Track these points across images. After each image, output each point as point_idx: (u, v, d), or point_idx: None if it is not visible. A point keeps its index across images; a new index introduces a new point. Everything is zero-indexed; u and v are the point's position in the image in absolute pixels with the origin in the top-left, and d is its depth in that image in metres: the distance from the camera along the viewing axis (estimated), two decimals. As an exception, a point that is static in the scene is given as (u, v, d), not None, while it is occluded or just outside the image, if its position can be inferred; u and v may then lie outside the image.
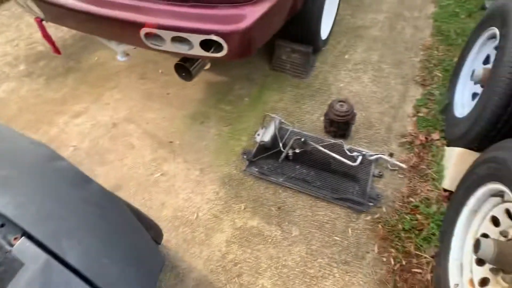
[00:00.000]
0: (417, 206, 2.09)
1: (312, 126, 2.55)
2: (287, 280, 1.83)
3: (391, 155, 2.25)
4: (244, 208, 2.11)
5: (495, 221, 1.62)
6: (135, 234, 1.12)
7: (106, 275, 0.86)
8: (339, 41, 3.24)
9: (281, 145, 2.32)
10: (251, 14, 1.93)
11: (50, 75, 3.02)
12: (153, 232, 1.55)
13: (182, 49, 2.06)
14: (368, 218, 2.07)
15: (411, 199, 2.13)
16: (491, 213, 1.65)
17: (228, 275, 1.84)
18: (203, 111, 2.68)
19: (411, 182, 2.22)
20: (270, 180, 2.22)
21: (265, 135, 2.31)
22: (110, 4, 2.05)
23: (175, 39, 2.00)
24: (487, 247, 1.45)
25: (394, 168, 2.28)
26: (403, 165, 2.25)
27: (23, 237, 0.85)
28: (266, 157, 2.31)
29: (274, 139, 2.35)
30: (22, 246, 0.84)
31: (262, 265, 1.89)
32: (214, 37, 1.89)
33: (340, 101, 2.30)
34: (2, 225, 0.86)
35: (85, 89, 2.86)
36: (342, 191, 2.14)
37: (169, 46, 2.04)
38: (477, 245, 1.49)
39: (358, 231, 2.02)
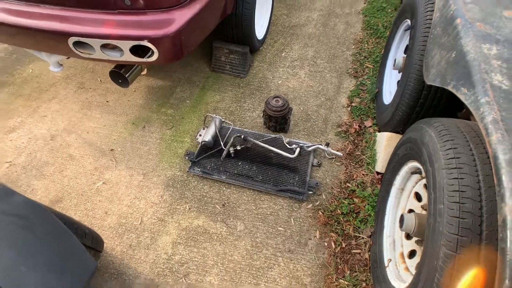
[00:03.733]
0: (353, 191, 2.22)
1: (253, 123, 2.63)
2: (234, 274, 1.89)
3: (327, 144, 2.37)
4: (189, 209, 2.14)
5: (418, 197, 1.77)
6: (61, 241, 1.12)
7: (22, 282, 0.86)
8: (276, 40, 3.34)
9: (222, 143, 2.37)
10: (180, 18, 1.96)
11: (-20, 91, 2.89)
12: (90, 240, 1.54)
13: (114, 56, 2.06)
14: (309, 206, 2.17)
15: (348, 184, 2.26)
16: (414, 190, 1.80)
17: (175, 276, 1.87)
18: (145, 116, 2.67)
19: (347, 168, 2.35)
20: (214, 179, 2.26)
21: (206, 135, 2.35)
22: (36, 15, 2.00)
23: (104, 47, 2.00)
24: (409, 221, 1.59)
25: (331, 157, 2.40)
26: (340, 153, 2.37)
27: None
28: (208, 157, 2.35)
29: (216, 138, 2.40)
30: None
31: (208, 262, 1.93)
32: (143, 43, 1.91)
33: (275, 97, 2.39)
34: None
35: (20, 102, 2.75)
36: (283, 183, 2.23)
37: (99, 54, 2.03)
38: (401, 221, 1.63)
39: (300, 220, 2.11)
